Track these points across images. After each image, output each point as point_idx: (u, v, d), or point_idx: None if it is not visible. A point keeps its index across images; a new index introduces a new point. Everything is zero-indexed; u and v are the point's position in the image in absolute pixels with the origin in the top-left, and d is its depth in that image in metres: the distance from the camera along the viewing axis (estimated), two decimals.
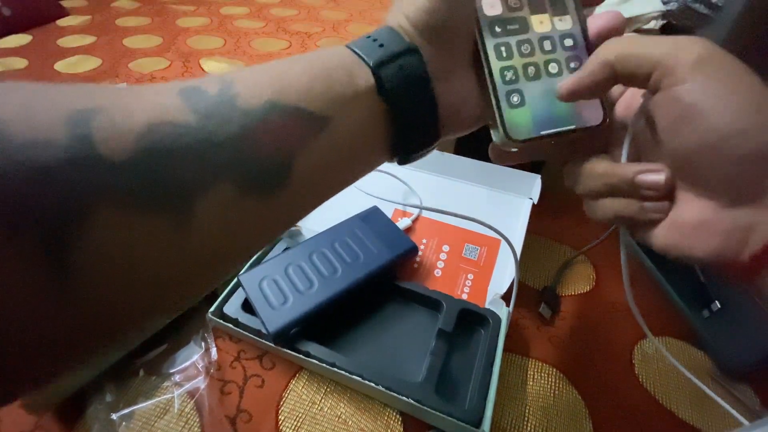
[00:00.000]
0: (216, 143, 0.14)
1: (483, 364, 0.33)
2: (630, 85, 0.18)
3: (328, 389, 0.35)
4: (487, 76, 0.19)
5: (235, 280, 0.37)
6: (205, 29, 0.99)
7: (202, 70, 0.80)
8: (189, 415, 0.32)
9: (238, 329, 0.35)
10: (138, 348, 0.35)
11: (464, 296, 0.40)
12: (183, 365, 0.35)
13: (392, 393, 0.31)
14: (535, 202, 0.46)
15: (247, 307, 0.35)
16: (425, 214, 0.48)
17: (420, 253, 0.44)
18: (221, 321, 0.36)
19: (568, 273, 0.45)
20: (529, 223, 0.43)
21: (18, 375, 0.12)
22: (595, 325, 0.41)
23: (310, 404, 0.34)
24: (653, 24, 0.96)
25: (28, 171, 0.11)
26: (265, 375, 0.35)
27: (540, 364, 0.37)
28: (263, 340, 0.35)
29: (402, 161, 0.20)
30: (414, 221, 0.47)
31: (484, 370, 0.32)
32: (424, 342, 0.35)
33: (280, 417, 0.33)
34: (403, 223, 0.45)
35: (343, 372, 0.32)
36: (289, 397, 0.34)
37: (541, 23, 0.20)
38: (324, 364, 0.33)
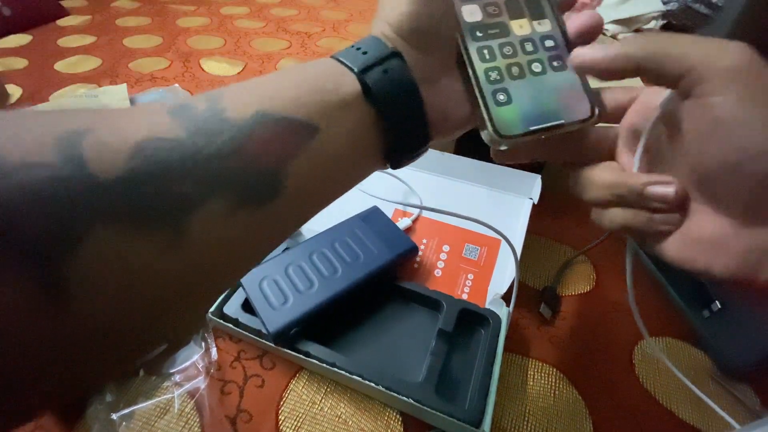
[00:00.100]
0: (207, 157, 0.14)
1: (483, 364, 0.33)
2: (655, 84, 0.17)
3: (328, 389, 0.35)
4: (472, 78, 0.20)
5: None
6: (205, 29, 0.99)
7: (202, 70, 0.80)
8: (189, 415, 0.32)
9: (238, 329, 0.35)
10: None
11: (464, 296, 0.40)
12: (183, 365, 0.34)
13: (392, 393, 0.31)
14: (535, 202, 0.46)
15: (247, 307, 0.35)
16: (425, 214, 0.48)
17: (420, 253, 0.44)
18: (221, 321, 0.36)
19: (568, 273, 0.45)
20: (529, 223, 0.43)
21: (24, 395, 0.12)
22: (595, 325, 0.41)
23: (310, 404, 0.34)
24: (653, 24, 0.96)
25: (20, 193, 0.11)
26: (265, 375, 0.35)
27: (540, 364, 0.37)
28: (263, 340, 0.35)
29: (394, 165, 0.20)
30: (414, 221, 0.47)
31: (484, 370, 0.32)
32: (424, 342, 0.35)
33: (280, 417, 0.33)
34: (403, 223, 0.45)
35: (343, 372, 0.32)
36: (289, 397, 0.34)
37: (520, 27, 0.21)
38: (324, 364, 0.33)
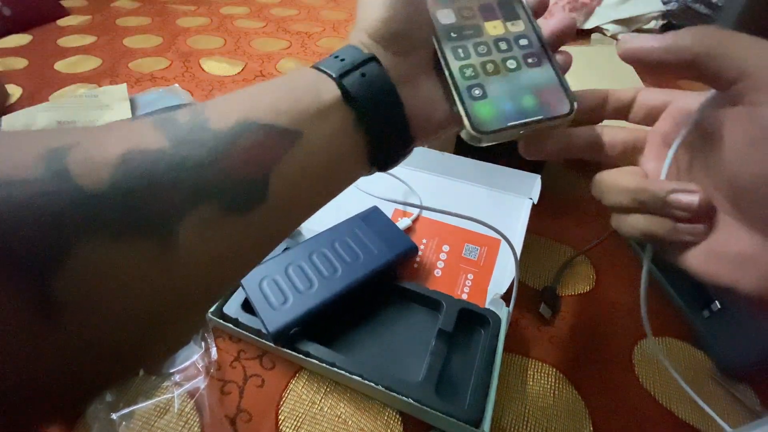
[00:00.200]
0: (191, 166, 0.14)
1: (483, 364, 0.33)
2: (704, 82, 0.17)
3: (328, 389, 0.35)
4: (448, 76, 0.20)
5: None
6: (205, 29, 0.99)
7: (202, 70, 0.80)
8: (189, 415, 0.32)
9: (238, 329, 0.35)
10: None
11: (464, 296, 0.40)
12: (183, 365, 0.35)
13: (392, 393, 0.31)
14: (535, 202, 0.46)
15: (247, 307, 0.35)
16: (425, 214, 0.48)
17: (420, 253, 0.44)
18: (221, 321, 0.36)
19: (568, 273, 0.45)
20: (529, 223, 0.43)
21: (21, 412, 0.12)
22: (595, 325, 0.41)
23: (310, 404, 0.34)
24: (653, 24, 0.96)
25: (7, 208, 0.11)
26: (265, 375, 0.35)
27: (540, 364, 0.37)
28: (263, 340, 0.35)
29: (380, 167, 0.21)
30: (414, 221, 0.47)
31: (484, 370, 0.32)
32: (424, 342, 0.35)
33: (280, 417, 0.33)
34: (403, 223, 0.45)
35: (343, 372, 0.32)
36: (289, 396, 0.34)
37: (494, 28, 0.21)
38: (324, 364, 0.33)
